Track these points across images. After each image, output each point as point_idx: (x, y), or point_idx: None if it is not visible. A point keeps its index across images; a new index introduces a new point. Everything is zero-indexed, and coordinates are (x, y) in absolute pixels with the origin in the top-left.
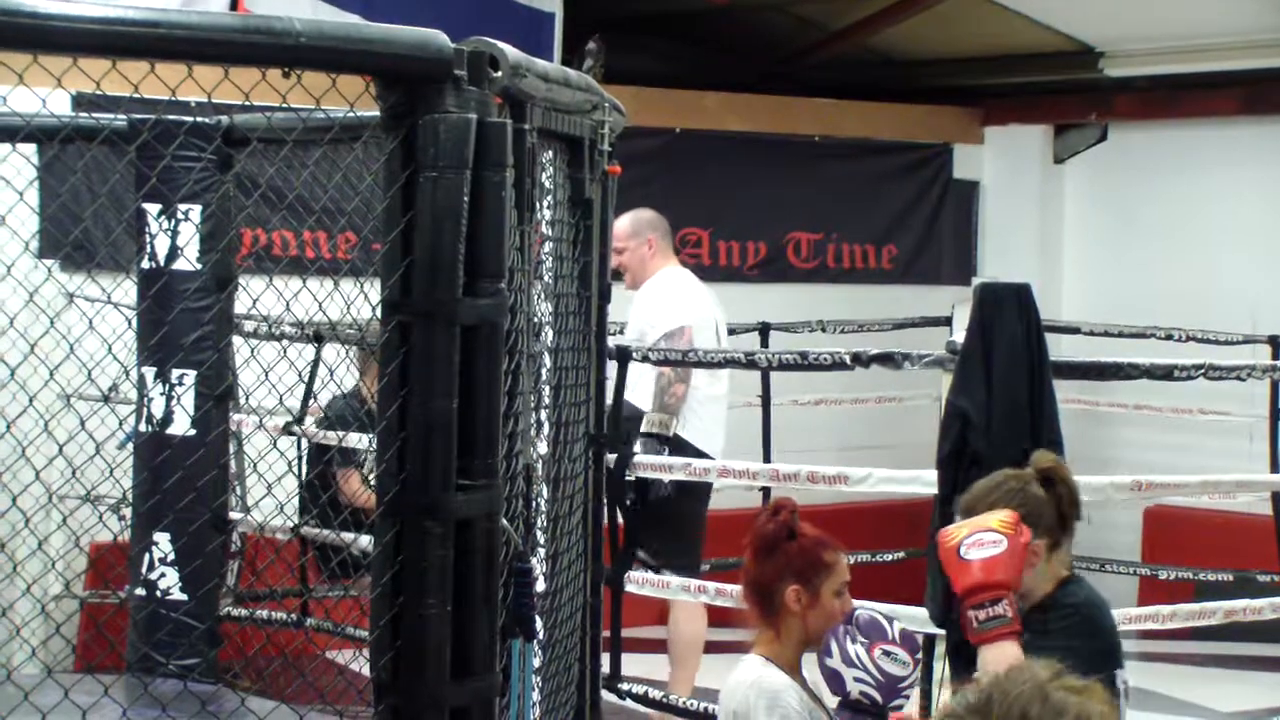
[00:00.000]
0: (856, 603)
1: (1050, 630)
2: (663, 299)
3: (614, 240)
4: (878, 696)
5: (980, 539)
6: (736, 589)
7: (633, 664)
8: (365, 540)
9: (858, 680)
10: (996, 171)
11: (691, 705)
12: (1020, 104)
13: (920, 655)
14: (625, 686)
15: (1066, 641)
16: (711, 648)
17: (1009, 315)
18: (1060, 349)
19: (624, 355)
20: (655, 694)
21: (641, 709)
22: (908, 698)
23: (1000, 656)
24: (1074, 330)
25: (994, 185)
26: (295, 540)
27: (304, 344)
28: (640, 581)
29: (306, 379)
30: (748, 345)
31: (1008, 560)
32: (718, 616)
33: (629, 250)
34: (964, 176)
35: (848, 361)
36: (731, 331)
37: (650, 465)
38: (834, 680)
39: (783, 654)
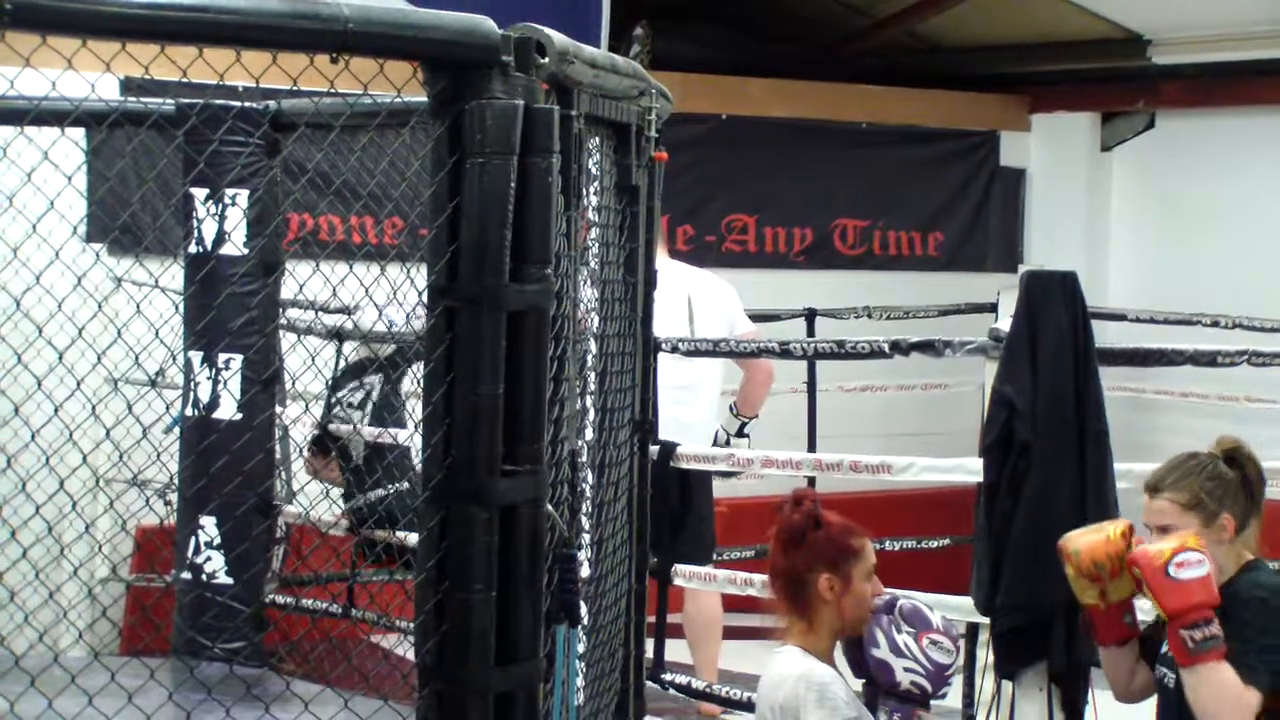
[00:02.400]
0: (896, 591)
1: (1238, 619)
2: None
3: None
4: (927, 686)
5: (1187, 559)
6: None
7: (678, 650)
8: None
9: (908, 670)
10: (1043, 159)
11: (735, 694)
12: (1067, 91)
13: (961, 642)
14: (668, 676)
15: (1264, 639)
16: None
17: (1055, 302)
18: (1106, 336)
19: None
20: (698, 684)
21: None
22: (951, 685)
23: (1218, 679)
24: (1120, 317)
25: (1041, 173)
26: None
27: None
28: (688, 575)
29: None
30: (794, 331)
31: (1211, 581)
32: (740, 601)
33: None
34: (1011, 164)
35: (886, 350)
36: (776, 317)
37: (692, 456)
38: (883, 671)
39: (818, 644)
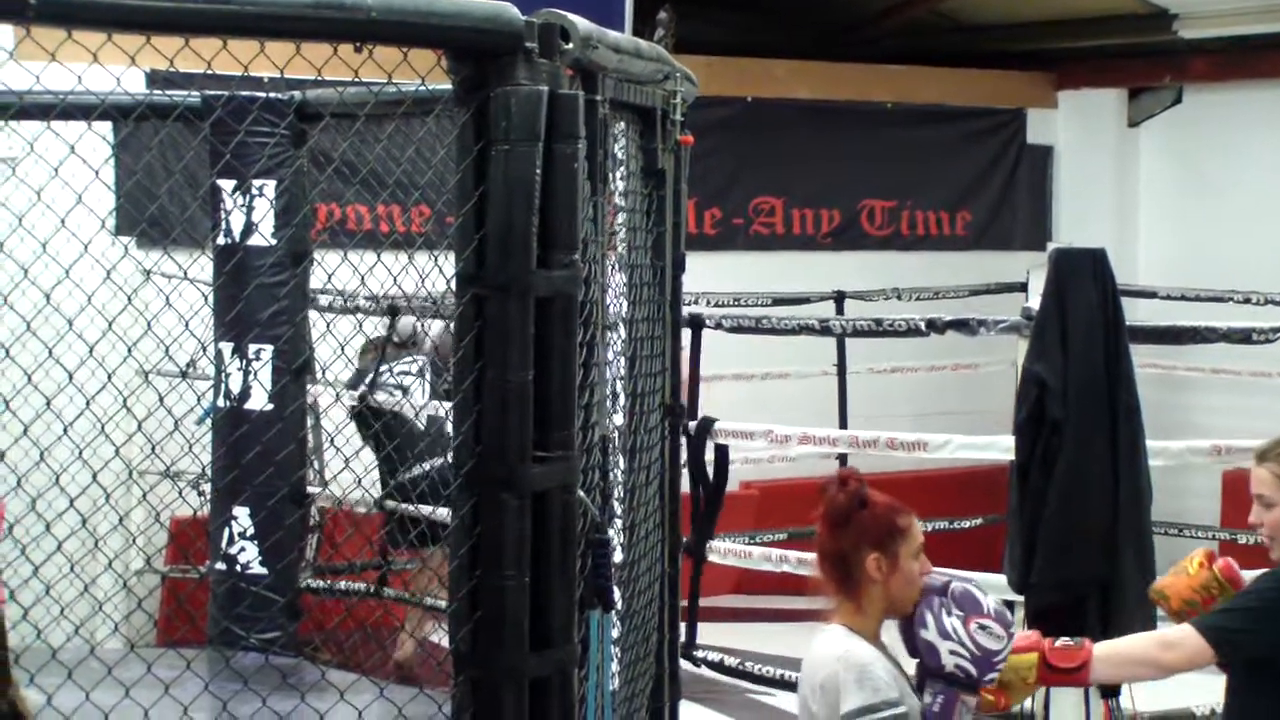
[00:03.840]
0: (948, 572)
1: None
2: None
3: None
4: (972, 670)
5: None
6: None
7: (711, 633)
8: (443, 512)
9: (953, 653)
10: (1071, 136)
11: (769, 672)
12: (1094, 68)
13: (1014, 629)
14: (701, 654)
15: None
16: (785, 615)
17: (1085, 280)
18: (1136, 313)
19: (696, 324)
20: (731, 662)
21: (719, 677)
22: (999, 671)
23: None
24: (1150, 294)
25: (1068, 150)
26: (375, 513)
27: (378, 317)
28: (723, 552)
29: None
30: (822, 313)
31: None
32: (774, 583)
33: None
34: (1038, 141)
35: (923, 328)
36: (805, 300)
37: (733, 433)
38: (929, 652)
39: (865, 624)
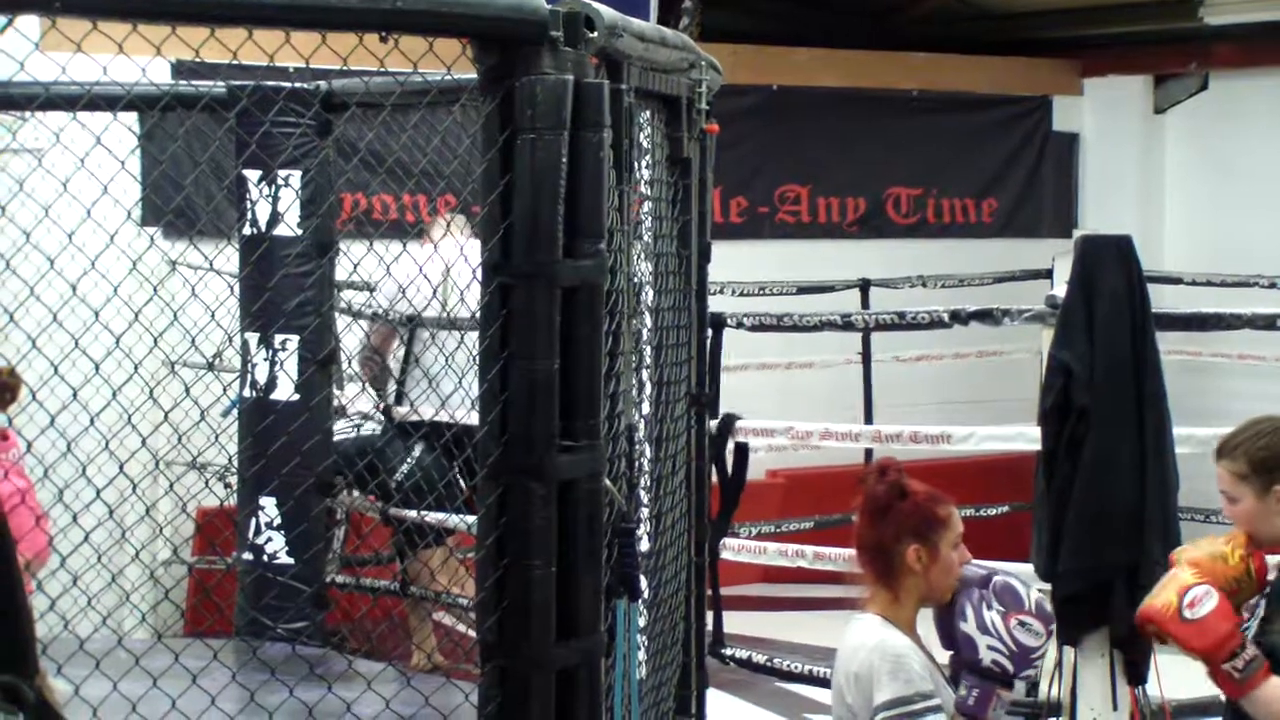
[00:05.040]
0: (986, 564)
1: None
2: None
3: None
4: (1009, 666)
5: (1194, 596)
6: (832, 551)
7: (739, 622)
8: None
9: (991, 648)
10: (1096, 123)
11: (796, 668)
12: (1119, 55)
13: (1054, 625)
14: (728, 651)
15: None
16: (812, 604)
17: (1110, 267)
18: (1162, 300)
19: (717, 324)
20: (759, 658)
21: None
22: (1038, 668)
23: (1274, 694)
24: (1176, 281)
25: (1094, 137)
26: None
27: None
28: (738, 549)
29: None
30: (848, 302)
31: (1226, 604)
32: (819, 572)
33: None
34: (1063, 129)
35: (946, 320)
36: (830, 289)
37: (755, 431)
38: (967, 645)
39: (901, 614)
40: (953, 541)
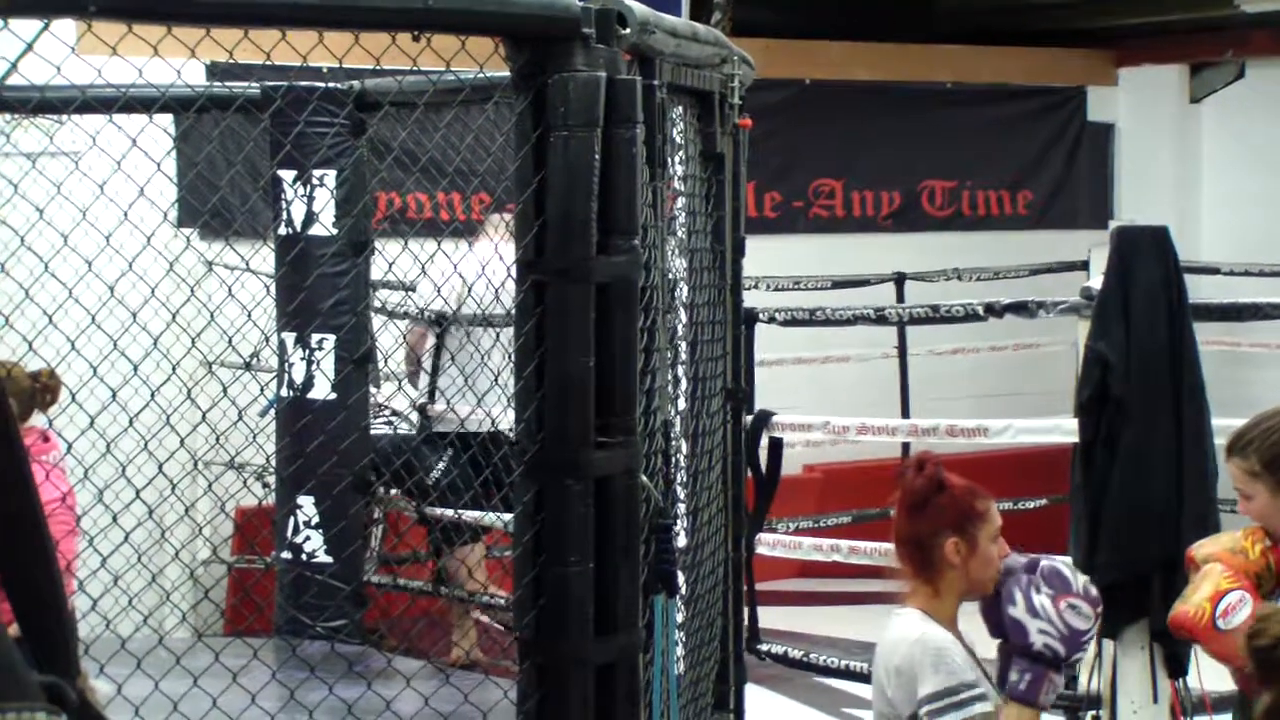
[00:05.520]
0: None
1: None
2: None
3: None
4: (1060, 649)
5: (1229, 604)
6: (868, 545)
7: (776, 617)
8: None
9: (1042, 632)
10: (1132, 113)
11: (833, 663)
12: (1154, 44)
13: (1101, 608)
14: (764, 646)
15: None
16: (850, 599)
17: (1147, 258)
18: (1200, 290)
19: (750, 319)
20: (796, 654)
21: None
22: (1086, 650)
23: None
24: (1213, 271)
25: (1129, 127)
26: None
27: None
28: (774, 544)
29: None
30: (883, 296)
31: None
32: (856, 567)
33: None
34: (1099, 119)
35: (981, 313)
36: (865, 282)
37: (791, 426)
38: (1017, 630)
39: (941, 608)
40: (991, 535)
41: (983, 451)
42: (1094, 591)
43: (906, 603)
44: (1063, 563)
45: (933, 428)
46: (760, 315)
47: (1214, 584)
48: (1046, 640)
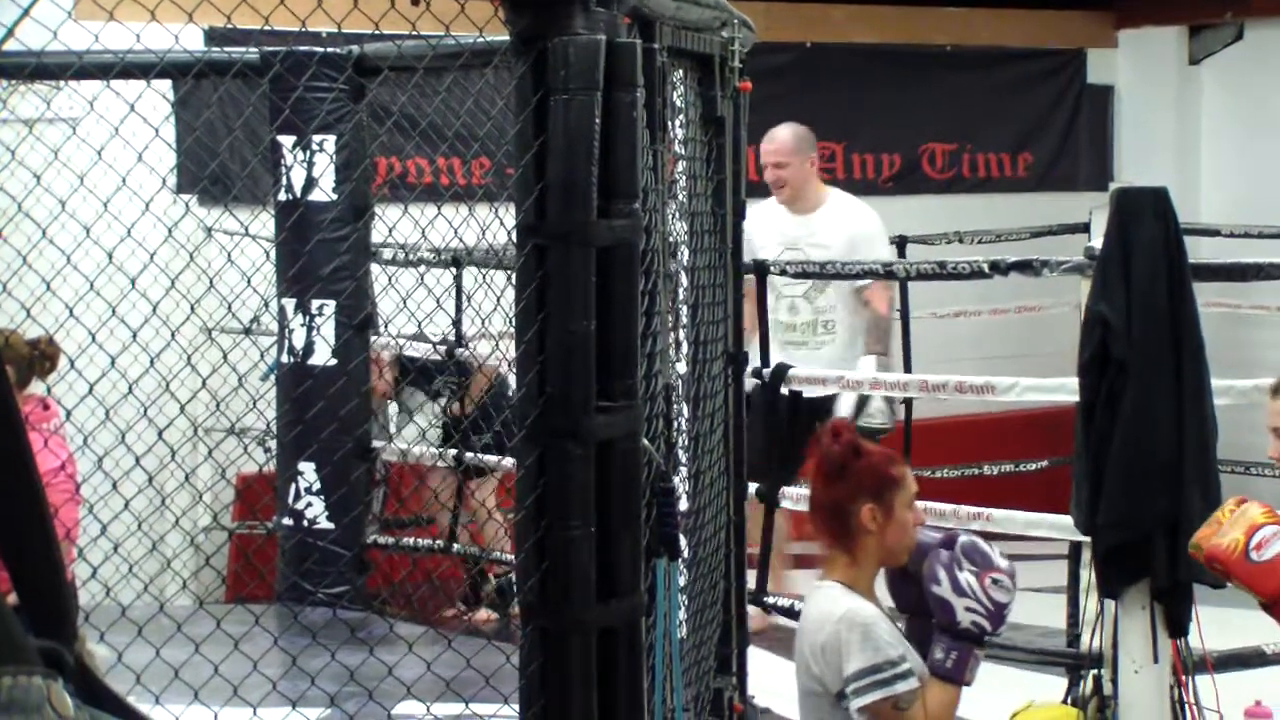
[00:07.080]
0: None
1: None
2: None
3: (775, 153)
4: (987, 625)
5: (1263, 537)
6: None
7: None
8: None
9: (969, 610)
10: (1131, 75)
11: None
12: (1153, 5)
13: (1017, 579)
14: (771, 600)
15: None
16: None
17: (1147, 220)
18: (1200, 251)
19: (762, 270)
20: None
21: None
22: (1006, 622)
23: None
24: (1213, 232)
25: (1129, 89)
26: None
27: (442, 269)
28: (796, 498)
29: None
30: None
31: None
32: None
33: (792, 166)
34: (1098, 81)
35: (986, 270)
36: None
37: (805, 379)
38: (942, 609)
39: (860, 577)
40: (907, 501)
41: (987, 413)
42: (1012, 564)
43: (826, 575)
44: (977, 536)
45: (942, 383)
46: (771, 268)
47: (1249, 519)
48: (974, 619)
